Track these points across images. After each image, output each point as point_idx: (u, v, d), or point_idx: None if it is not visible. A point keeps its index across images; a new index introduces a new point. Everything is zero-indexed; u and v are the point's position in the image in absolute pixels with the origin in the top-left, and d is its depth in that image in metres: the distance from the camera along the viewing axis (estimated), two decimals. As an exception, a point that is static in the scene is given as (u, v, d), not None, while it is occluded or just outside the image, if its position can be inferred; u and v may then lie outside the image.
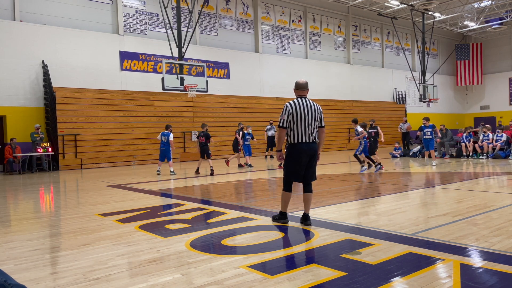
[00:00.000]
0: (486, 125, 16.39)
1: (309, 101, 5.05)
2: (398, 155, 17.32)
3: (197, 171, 12.53)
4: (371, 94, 28.70)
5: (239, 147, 14.69)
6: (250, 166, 14.44)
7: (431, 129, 13.36)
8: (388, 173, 11.69)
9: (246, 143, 14.86)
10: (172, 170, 12.69)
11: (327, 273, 3.34)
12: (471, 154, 15.64)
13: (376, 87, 29.07)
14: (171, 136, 12.51)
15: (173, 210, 6.68)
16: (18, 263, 3.91)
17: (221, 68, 21.39)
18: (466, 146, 15.76)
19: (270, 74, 23.30)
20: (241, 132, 14.73)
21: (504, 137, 15.22)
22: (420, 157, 16.68)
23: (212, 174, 12.18)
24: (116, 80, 18.21)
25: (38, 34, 16.24)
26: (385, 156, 18.28)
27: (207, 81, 15.37)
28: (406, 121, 21.79)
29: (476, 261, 3.58)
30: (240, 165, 14.70)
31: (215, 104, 20.44)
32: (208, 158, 12.39)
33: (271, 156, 19.22)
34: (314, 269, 3.46)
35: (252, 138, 15.06)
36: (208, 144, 12.48)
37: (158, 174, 12.62)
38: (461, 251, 3.85)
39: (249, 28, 22.94)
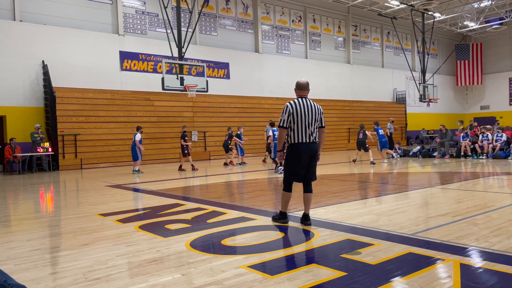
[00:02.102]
0: (487, 126, 16.36)
1: (309, 101, 5.05)
2: (398, 155, 17.30)
3: (180, 168, 13.90)
4: (371, 94, 28.71)
5: (230, 147, 15.52)
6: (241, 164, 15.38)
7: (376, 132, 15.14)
8: (388, 173, 11.70)
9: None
10: (136, 169, 13.36)
11: (327, 273, 3.34)
12: (469, 154, 15.61)
13: (376, 87, 29.08)
14: (137, 136, 13.31)
15: (173, 210, 6.68)
16: (18, 263, 3.91)
17: (221, 68, 21.39)
18: (465, 146, 15.75)
19: (270, 74, 23.30)
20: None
21: (504, 137, 15.22)
22: (420, 157, 16.68)
23: (180, 169, 13.78)
24: (116, 80, 18.21)
25: (38, 34, 16.24)
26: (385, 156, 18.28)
27: (207, 81, 15.37)
28: (393, 121, 20.76)
29: (476, 261, 3.58)
30: (226, 164, 15.48)
31: (215, 104, 20.44)
32: (184, 156, 13.90)
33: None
34: (314, 269, 3.46)
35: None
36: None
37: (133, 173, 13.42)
38: (461, 251, 3.85)
39: (249, 28, 22.95)
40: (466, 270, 3.32)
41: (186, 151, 13.78)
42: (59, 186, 10.90)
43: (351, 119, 26.53)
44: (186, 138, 13.80)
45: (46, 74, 16.04)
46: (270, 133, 18.97)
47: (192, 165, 14.00)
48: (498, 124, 19.10)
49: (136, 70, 18.78)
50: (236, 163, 15.59)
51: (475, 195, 7.05)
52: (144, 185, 10.15)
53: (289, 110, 4.95)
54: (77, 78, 17.06)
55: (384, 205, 6.38)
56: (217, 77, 21.20)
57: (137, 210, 6.57)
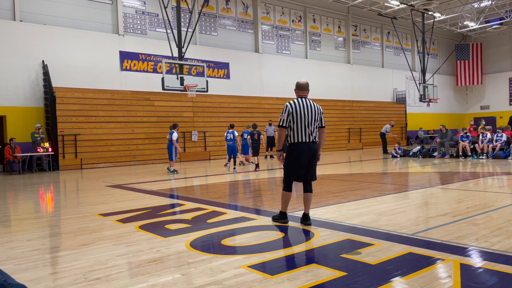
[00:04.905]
0: (486, 126, 16.36)
1: (309, 101, 5.06)
2: (398, 155, 17.31)
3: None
4: (371, 94, 28.71)
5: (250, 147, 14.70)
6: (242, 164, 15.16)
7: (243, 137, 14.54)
8: (388, 173, 11.70)
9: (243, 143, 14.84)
10: (172, 170, 12.88)
11: (327, 273, 3.35)
12: (469, 154, 15.60)
13: (376, 87, 29.08)
14: (174, 135, 12.72)
15: (173, 210, 6.68)
16: (18, 263, 3.91)
17: (221, 68, 21.39)
18: (463, 146, 15.74)
19: (270, 74, 23.30)
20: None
21: (504, 137, 15.21)
22: (420, 157, 16.68)
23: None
24: (116, 80, 18.21)
25: (38, 34, 16.24)
26: (385, 155, 18.28)
27: (207, 81, 15.37)
28: (393, 125, 20.38)
29: (476, 261, 3.58)
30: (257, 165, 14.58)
31: (215, 104, 20.44)
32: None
33: (271, 156, 19.23)
34: (314, 269, 3.46)
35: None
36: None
37: (168, 172, 12.95)
38: (461, 251, 3.85)
39: (249, 28, 22.95)
40: (466, 270, 3.32)
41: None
42: (59, 186, 10.90)
43: (351, 119, 26.53)
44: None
45: (46, 74, 16.04)
46: (271, 132, 18.83)
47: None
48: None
49: (136, 70, 18.78)
50: (250, 162, 15.19)
51: (475, 195, 7.06)
52: (144, 185, 10.15)
53: (289, 110, 4.95)
54: (77, 78, 17.06)
55: (384, 205, 6.38)
56: (217, 77, 21.20)
57: (137, 210, 6.57)
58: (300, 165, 5.01)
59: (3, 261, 3.96)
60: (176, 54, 15.47)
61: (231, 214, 5.99)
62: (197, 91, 15.30)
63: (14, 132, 15.56)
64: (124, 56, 18.41)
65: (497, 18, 30.07)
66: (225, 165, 14.27)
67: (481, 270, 3.33)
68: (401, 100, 30.28)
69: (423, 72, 25.34)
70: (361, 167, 13.52)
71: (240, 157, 15.29)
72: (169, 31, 15.75)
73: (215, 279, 3.29)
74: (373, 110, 27.86)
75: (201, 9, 16.87)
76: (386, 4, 26.19)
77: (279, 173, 11.88)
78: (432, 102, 25.81)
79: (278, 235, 4.71)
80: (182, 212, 6.40)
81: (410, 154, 17.38)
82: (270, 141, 18.73)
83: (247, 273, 3.42)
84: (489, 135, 15.50)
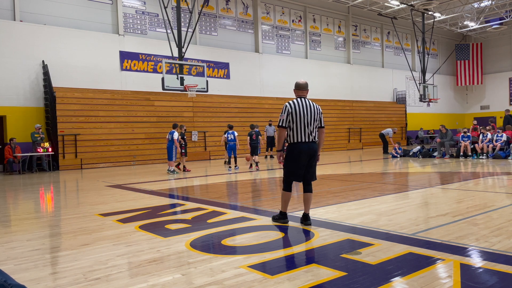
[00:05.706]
0: (487, 127, 16.36)
1: (308, 101, 5.06)
2: (398, 155, 17.30)
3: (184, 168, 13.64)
4: (371, 94, 28.71)
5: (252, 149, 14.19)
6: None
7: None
8: (388, 173, 11.70)
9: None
10: (171, 170, 12.83)
11: (327, 273, 3.34)
12: (469, 154, 15.61)
13: (376, 87, 29.08)
14: (175, 135, 12.78)
15: (173, 210, 6.68)
16: (18, 263, 3.91)
17: (221, 68, 21.39)
18: (465, 146, 15.74)
19: (270, 74, 23.30)
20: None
21: (504, 137, 15.21)
22: (420, 157, 16.68)
23: (184, 170, 13.59)
24: (116, 80, 18.21)
25: (38, 34, 16.24)
26: (385, 155, 18.28)
27: (207, 81, 15.37)
28: (395, 132, 20.99)
29: (476, 261, 3.58)
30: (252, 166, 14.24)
31: (215, 104, 20.44)
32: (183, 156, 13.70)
33: (271, 156, 19.22)
34: (314, 269, 3.46)
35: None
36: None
37: (168, 173, 12.92)
38: (461, 251, 3.85)
39: (249, 28, 22.95)
40: (466, 270, 3.32)
41: (183, 151, 13.59)
42: (59, 186, 10.90)
43: (351, 119, 26.53)
44: (185, 137, 13.70)
45: (46, 74, 16.04)
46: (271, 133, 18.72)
47: (184, 166, 13.65)
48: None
49: (136, 70, 18.78)
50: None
51: (475, 195, 7.05)
52: (144, 185, 10.15)
53: (288, 110, 4.96)
54: (77, 78, 17.06)
55: (384, 205, 6.38)
56: (217, 77, 21.20)
57: (137, 210, 6.57)
58: (299, 165, 5.02)
59: (3, 261, 3.96)
60: (176, 54, 15.46)
61: (231, 214, 5.99)
62: (197, 91, 15.30)
63: (14, 132, 15.56)
64: (124, 56, 18.41)
65: (497, 18, 30.07)
66: (226, 164, 14.20)
67: (481, 270, 3.33)
68: (401, 100, 30.28)
69: (423, 72, 25.34)
70: (361, 167, 13.52)
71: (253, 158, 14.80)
72: (169, 31, 15.75)
73: (215, 279, 3.29)
74: (373, 110, 27.86)
75: (201, 9, 16.87)
76: (386, 4, 26.19)
77: (279, 173, 11.88)
78: (432, 102, 25.81)
79: (278, 235, 4.71)
80: (182, 212, 6.40)
81: (410, 154, 17.37)
82: (270, 141, 18.72)
83: (247, 273, 3.42)
84: (489, 135, 15.50)
